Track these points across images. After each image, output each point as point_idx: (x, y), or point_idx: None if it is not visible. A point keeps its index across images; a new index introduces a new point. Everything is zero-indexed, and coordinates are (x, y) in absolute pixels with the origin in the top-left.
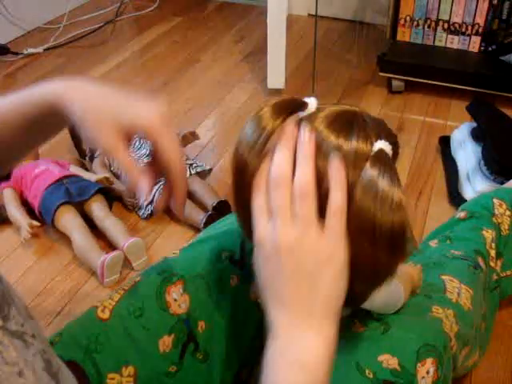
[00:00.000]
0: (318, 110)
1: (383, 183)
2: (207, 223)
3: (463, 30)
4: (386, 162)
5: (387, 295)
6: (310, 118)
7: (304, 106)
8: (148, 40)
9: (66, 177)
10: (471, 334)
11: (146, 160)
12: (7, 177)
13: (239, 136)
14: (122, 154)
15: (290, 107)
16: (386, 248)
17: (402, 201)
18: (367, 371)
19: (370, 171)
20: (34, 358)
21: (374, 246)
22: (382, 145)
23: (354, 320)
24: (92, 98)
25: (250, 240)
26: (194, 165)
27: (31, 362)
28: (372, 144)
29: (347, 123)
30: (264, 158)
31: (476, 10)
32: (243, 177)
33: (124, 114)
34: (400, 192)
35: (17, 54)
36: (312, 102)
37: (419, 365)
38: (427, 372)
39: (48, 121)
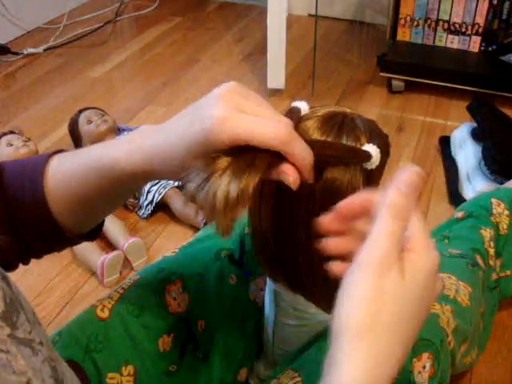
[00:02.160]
0: (308, 112)
1: None
2: (207, 223)
3: (463, 29)
4: None
5: None
6: (301, 121)
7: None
8: (148, 40)
9: None
10: (470, 331)
11: None
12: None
13: None
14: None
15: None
16: None
17: None
18: None
19: None
20: (42, 365)
21: None
22: (369, 148)
23: None
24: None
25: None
26: None
27: (40, 370)
28: (362, 146)
29: (336, 125)
30: None
31: (476, 10)
32: None
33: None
34: None
35: (17, 54)
36: (303, 107)
37: (415, 360)
38: (423, 367)
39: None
